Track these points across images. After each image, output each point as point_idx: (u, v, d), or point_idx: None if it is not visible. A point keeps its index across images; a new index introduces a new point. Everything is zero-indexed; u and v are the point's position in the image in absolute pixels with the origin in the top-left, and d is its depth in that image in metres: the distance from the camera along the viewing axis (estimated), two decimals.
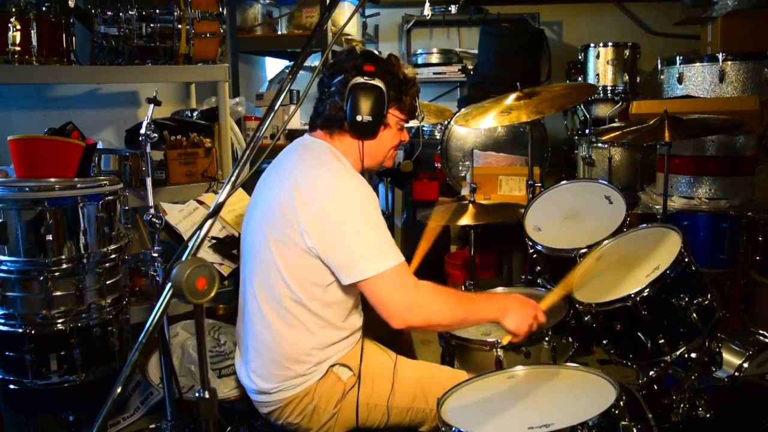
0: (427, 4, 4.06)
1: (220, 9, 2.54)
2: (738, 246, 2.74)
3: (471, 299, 1.70)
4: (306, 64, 4.03)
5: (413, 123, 2.30)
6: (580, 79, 3.88)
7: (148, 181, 1.82)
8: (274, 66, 4.53)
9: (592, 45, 3.70)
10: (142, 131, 1.78)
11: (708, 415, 1.69)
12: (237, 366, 1.84)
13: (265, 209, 1.71)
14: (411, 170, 2.61)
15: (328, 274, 1.63)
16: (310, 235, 1.59)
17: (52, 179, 1.87)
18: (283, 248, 1.63)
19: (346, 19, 3.70)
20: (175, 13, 2.42)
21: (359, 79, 1.66)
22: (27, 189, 1.81)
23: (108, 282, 1.94)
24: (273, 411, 1.72)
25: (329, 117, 1.72)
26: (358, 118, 1.66)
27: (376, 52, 1.79)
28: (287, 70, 4.03)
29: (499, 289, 2.36)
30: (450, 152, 3.56)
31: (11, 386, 1.86)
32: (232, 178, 1.21)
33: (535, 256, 2.33)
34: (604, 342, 1.88)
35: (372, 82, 1.66)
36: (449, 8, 4.55)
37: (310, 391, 1.69)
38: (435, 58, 4.56)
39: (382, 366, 1.78)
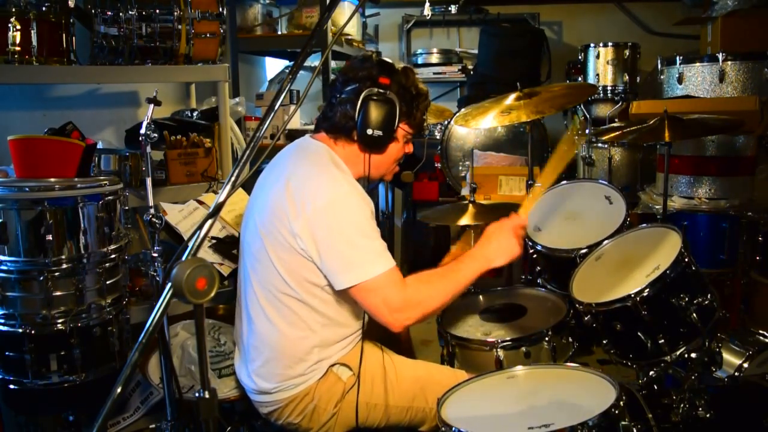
0: (427, 4, 4.06)
1: (220, 9, 2.54)
2: (738, 246, 2.74)
3: (455, 269, 1.67)
4: (306, 64, 4.04)
5: None
6: (580, 79, 3.87)
7: (148, 181, 1.82)
8: (274, 66, 4.53)
9: (592, 45, 3.70)
10: (142, 131, 1.78)
11: (708, 415, 1.69)
12: (237, 366, 1.84)
13: (261, 210, 1.71)
14: (411, 181, 2.61)
15: (323, 275, 1.63)
16: (302, 238, 1.59)
17: (52, 179, 1.87)
18: (279, 248, 1.63)
19: (346, 19, 3.70)
20: (175, 13, 2.42)
21: (373, 91, 1.65)
22: (27, 189, 1.81)
23: (108, 282, 1.93)
24: (273, 411, 1.72)
25: (337, 124, 1.70)
26: (369, 131, 1.65)
27: (390, 61, 1.75)
28: (287, 70, 4.03)
29: None
30: (450, 152, 3.56)
31: (11, 386, 1.86)
32: (232, 178, 1.21)
33: (535, 256, 2.33)
34: (604, 342, 1.88)
35: (386, 95, 1.65)
36: (449, 8, 4.55)
37: (310, 390, 1.69)
38: (435, 58, 4.56)
39: (381, 365, 1.78)
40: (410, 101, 1.71)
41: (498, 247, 1.71)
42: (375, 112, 1.64)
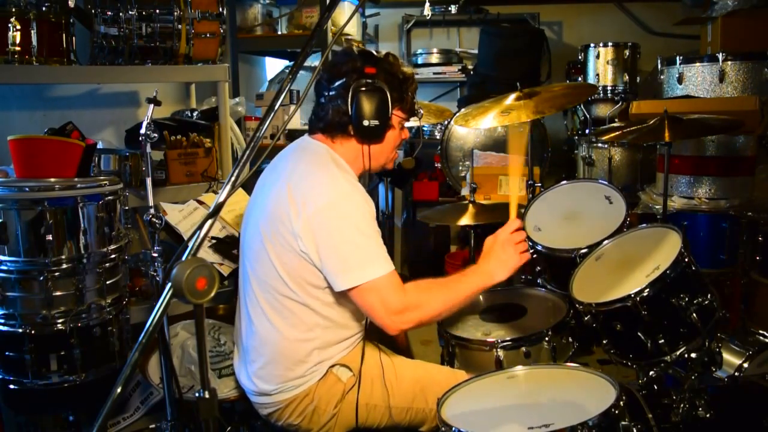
0: (427, 4, 4.06)
1: (220, 9, 2.54)
2: (738, 246, 2.74)
3: (456, 281, 1.68)
4: (306, 64, 4.03)
5: (414, 123, 2.30)
6: (580, 79, 3.88)
7: (148, 181, 1.82)
8: (274, 66, 4.53)
9: (592, 45, 3.70)
10: (142, 131, 1.78)
11: (708, 415, 1.69)
12: (236, 367, 1.84)
13: (262, 211, 1.71)
14: (413, 167, 2.56)
15: (323, 277, 1.63)
16: (302, 239, 1.59)
17: (52, 179, 1.87)
18: (280, 250, 1.63)
19: (346, 19, 3.70)
20: (175, 13, 2.42)
21: (362, 82, 1.64)
22: (27, 189, 1.81)
23: (108, 282, 1.94)
24: (273, 412, 1.72)
25: (332, 121, 1.69)
26: (365, 122, 1.65)
27: (373, 52, 1.77)
28: (287, 70, 4.03)
29: None
30: (450, 152, 3.56)
31: (11, 386, 1.86)
32: (232, 178, 1.21)
33: (535, 256, 2.32)
34: (604, 342, 1.87)
35: (375, 84, 1.65)
36: (449, 8, 4.55)
37: (310, 391, 1.69)
38: (435, 58, 4.56)
39: (381, 366, 1.78)
40: (399, 86, 1.71)
41: (498, 263, 1.71)
42: (367, 103, 1.64)
